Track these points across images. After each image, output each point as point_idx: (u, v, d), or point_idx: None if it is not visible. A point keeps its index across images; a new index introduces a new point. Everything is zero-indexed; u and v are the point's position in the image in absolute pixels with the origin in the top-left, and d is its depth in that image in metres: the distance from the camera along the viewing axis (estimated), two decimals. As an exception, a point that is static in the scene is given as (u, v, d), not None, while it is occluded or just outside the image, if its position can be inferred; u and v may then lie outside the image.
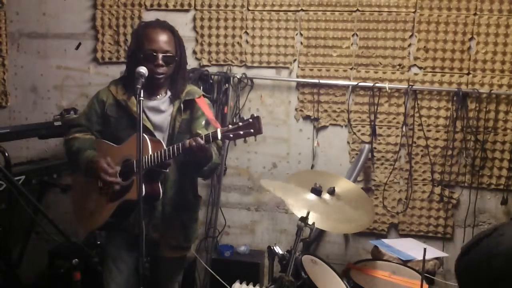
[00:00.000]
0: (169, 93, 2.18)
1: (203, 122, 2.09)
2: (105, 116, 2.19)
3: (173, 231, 2.20)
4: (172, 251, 2.22)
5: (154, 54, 2.05)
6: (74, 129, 2.24)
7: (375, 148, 3.06)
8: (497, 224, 1.01)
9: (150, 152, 1.98)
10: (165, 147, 2.03)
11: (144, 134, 1.94)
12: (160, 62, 2.06)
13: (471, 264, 0.97)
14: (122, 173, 2.09)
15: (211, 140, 1.90)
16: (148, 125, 2.10)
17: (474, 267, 0.95)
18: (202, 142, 1.87)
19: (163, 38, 2.08)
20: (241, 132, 1.84)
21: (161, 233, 2.17)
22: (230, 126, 1.86)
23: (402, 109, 3.00)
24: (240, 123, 1.84)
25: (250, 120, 1.83)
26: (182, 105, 2.15)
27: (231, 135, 1.85)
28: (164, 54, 2.07)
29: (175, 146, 1.94)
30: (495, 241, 0.95)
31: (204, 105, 2.17)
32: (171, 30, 2.14)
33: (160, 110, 2.16)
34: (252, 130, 1.83)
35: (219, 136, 1.86)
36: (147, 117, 2.12)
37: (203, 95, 2.25)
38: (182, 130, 2.15)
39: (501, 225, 0.99)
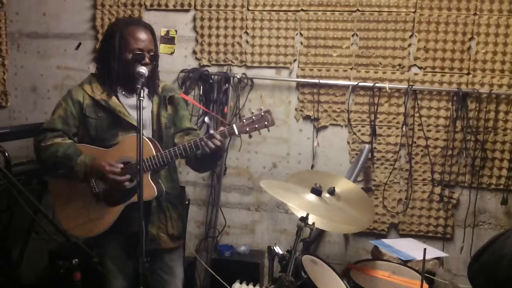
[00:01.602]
0: (146, 90, 2.17)
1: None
2: (83, 117, 2.13)
3: (173, 222, 2.24)
4: (174, 242, 2.25)
5: (142, 53, 2.08)
6: (50, 134, 2.12)
7: (375, 148, 3.06)
8: (506, 228, 1.06)
9: (154, 152, 2.01)
10: (158, 144, 2.09)
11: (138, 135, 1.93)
12: (147, 61, 2.08)
13: (482, 267, 1.00)
14: (124, 175, 2.09)
15: (227, 135, 2.00)
16: (134, 122, 2.09)
17: (485, 270, 0.98)
18: (220, 138, 1.98)
19: (147, 37, 2.11)
20: (256, 126, 1.97)
21: (158, 227, 2.19)
22: (245, 120, 1.97)
23: (402, 109, 2.99)
24: (254, 117, 1.96)
25: (263, 113, 1.96)
26: (167, 102, 2.20)
27: (247, 129, 1.97)
28: (150, 53, 2.10)
29: (187, 144, 2.00)
30: (501, 244, 0.98)
31: (190, 99, 2.24)
32: (150, 29, 2.17)
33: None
34: (266, 123, 1.96)
35: (236, 131, 1.97)
36: (129, 114, 2.13)
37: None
38: (168, 126, 2.21)
39: (509, 229, 1.02)
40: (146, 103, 2.16)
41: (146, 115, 2.16)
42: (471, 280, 1.07)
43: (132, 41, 2.08)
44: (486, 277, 0.99)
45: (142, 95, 1.88)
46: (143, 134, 1.86)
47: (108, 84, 2.14)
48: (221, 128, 1.99)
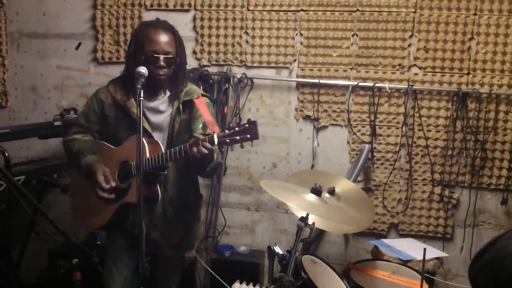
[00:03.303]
0: (168, 93, 2.18)
1: (200, 125, 2.08)
2: (103, 116, 2.18)
3: (175, 231, 2.20)
4: (173, 250, 2.23)
5: (156, 55, 2.04)
6: (73, 129, 2.24)
7: (375, 148, 3.06)
8: (507, 229, 1.07)
9: (148, 155, 1.98)
10: (162, 148, 2.04)
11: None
12: (162, 63, 2.05)
13: (484, 267, 1.00)
14: (120, 176, 2.09)
15: (208, 144, 1.88)
16: (146, 126, 2.09)
17: (487, 270, 0.99)
18: (204, 149, 1.85)
19: (164, 39, 2.06)
20: (238, 138, 1.82)
21: (161, 233, 2.17)
22: (227, 131, 1.85)
23: (402, 109, 3.00)
24: (237, 128, 1.83)
25: (247, 125, 1.82)
26: (181, 106, 2.15)
27: (227, 140, 1.84)
28: (166, 56, 2.06)
29: (173, 150, 1.93)
30: (503, 244, 0.98)
31: (202, 106, 2.16)
32: (172, 31, 2.12)
33: (160, 110, 2.15)
34: (248, 135, 1.82)
35: (216, 141, 1.85)
36: (146, 118, 2.11)
37: (202, 94, 2.24)
38: (181, 130, 2.15)
39: (510, 229, 1.03)
40: (166, 107, 2.16)
41: (165, 119, 2.16)
42: (472, 280, 1.06)
43: (146, 42, 2.05)
44: (488, 277, 0.99)
45: (141, 95, 1.86)
46: (142, 137, 1.84)
47: (127, 85, 2.14)
48: (202, 137, 1.88)
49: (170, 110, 2.16)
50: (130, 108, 2.11)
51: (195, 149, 1.85)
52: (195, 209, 2.33)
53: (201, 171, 2.13)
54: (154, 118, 2.14)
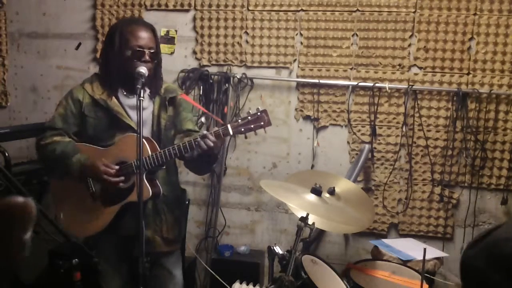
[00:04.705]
0: (147, 90, 2.18)
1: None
2: (82, 116, 2.14)
3: (168, 226, 2.22)
4: (168, 245, 2.24)
5: (142, 50, 2.07)
6: (50, 133, 2.15)
7: (375, 148, 3.06)
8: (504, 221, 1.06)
9: (150, 152, 2.00)
10: (156, 144, 2.07)
11: (135, 134, 1.92)
12: (147, 58, 2.07)
13: (486, 249, 0.99)
14: (119, 176, 2.09)
15: (222, 136, 1.95)
16: (131, 123, 2.10)
17: (489, 251, 0.98)
18: (213, 139, 1.93)
19: (147, 35, 2.11)
20: (252, 126, 1.92)
21: (154, 229, 2.17)
22: (240, 121, 1.92)
23: (402, 109, 2.99)
24: (250, 117, 1.92)
25: (259, 113, 1.91)
26: (167, 103, 2.18)
27: (242, 129, 1.92)
28: (150, 51, 2.09)
29: (182, 144, 1.97)
30: (506, 229, 0.98)
31: (192, 100, 2.25)
32: (151, 28, 2.17)
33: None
34: (262, 123, 1.92)
35: (231, 131, 1.92)
36: (128, 115, 2.12)
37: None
38: (167, 127, 2.18)
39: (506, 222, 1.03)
40: (147, 103, 2.16)
41: (147, 116, 2.16)
42: (466, 262, 1.05)
43: (131, 38, 2.07)
44: (488, 257, 0.98)
45: (142, 95, 1.88)
46: (142, 134, 1.85)
47: (108, 84, 2.14)
48: (215, 129, 1.95)
49: (151, 107, 2.18)
50: (113, 108, 2.11)
51: (209, 142, 1.91)
52: (183, 204, 2.41)
53: (209, 166, 2.19)
54: (135, 115, 2.08)
